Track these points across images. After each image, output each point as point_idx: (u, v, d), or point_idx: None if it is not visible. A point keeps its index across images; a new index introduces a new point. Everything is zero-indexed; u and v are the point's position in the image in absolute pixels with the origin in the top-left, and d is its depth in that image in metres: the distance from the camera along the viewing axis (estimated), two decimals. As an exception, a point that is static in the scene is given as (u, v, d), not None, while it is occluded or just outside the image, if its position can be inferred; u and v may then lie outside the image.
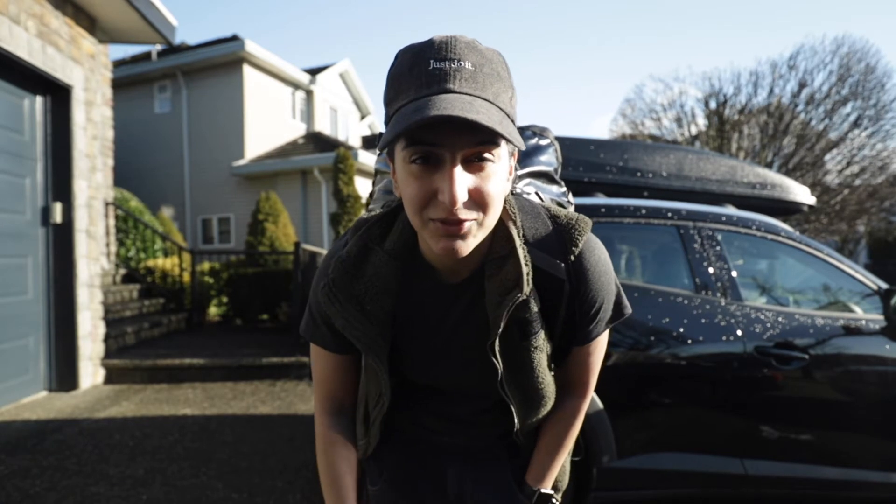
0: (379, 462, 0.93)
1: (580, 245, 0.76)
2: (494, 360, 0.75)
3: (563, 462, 0.91)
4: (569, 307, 0.77)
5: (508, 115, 0.65)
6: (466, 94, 0.61)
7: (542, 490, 0.87)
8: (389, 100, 0.66)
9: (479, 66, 0.63)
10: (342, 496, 0.84)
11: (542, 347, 0.78)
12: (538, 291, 0.75)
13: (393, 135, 0.60)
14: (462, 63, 0.62)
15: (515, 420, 0.83)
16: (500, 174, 0.66)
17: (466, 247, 0.65)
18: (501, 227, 0.75)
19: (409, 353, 0.81)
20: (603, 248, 0.79)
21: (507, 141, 0.61)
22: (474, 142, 0.62)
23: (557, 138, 2.61)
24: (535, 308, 0.75)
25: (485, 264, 0.75)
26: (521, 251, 0.72)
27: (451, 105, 0.58)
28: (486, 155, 0.63)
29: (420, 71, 0.62)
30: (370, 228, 0.78)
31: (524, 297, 0.71)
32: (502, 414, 0.84)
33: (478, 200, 0.64)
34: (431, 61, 0.62)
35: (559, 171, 1.06)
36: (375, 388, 0.84)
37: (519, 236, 0.74)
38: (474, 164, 0.63)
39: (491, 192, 0.64)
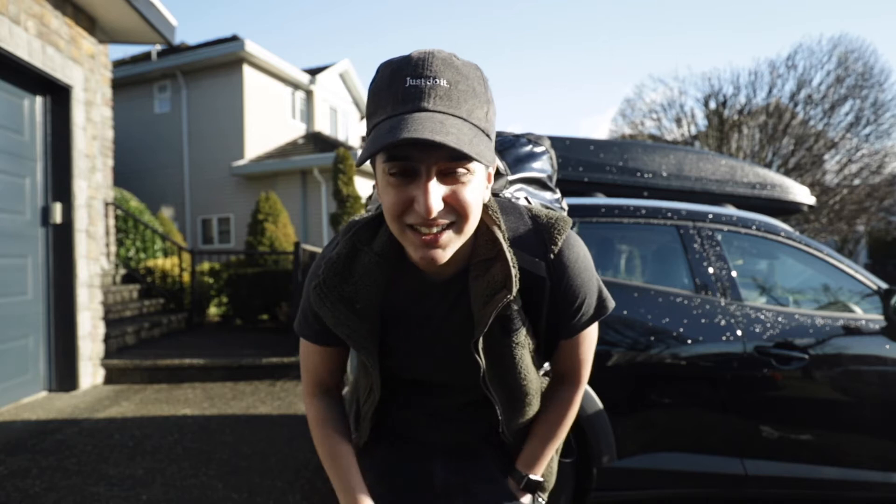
0: (368, 458, 0.95)
1: (559, 243, 0.79)
2: (477, 356, 0.77)
3: (553, 453, 0.92)
4: (550, 304, 0.80)
5: (484, 130, 0.68)
6: (440, 112, 0.63)
7: (532, 476, 0.89)
8: (369, 114, 0.69)
9: (454, 83, 0.66)
10: (345, 473, 0.85)
11: (523, 343, 0.80)
12: (519, 289, 0.77)
13: (369, 153, 0.63)
14: (437, 80, 0.65)
15: (500, 417, 0.84)
16: (475, 184, 0.69)
17: (444, 255, 0.69)
18: (485, 231, 0.78)
19: (395, 348, 0.84)
20: (583, 246, 0.82)
21: (475, 160, 0.64)
22: (447, 157, 0.65)
23: (559, 138, 2.62)
24: (516, 306, 0.77)
25: (470, 266, 0.78)
26: (509, 254, 0.75)
27: (422, 125, 0.61)
28: (460, 169, 0.66)
29: (397, 88, 0.65)
30: (358, 232, 0.82)
31: (512, 297, 0.74)
32: (487, 409, 0.86)
33: (455, 207, 0.67)
34: (408, 78, 0.65)
35: (554, 178, 1.09)
36: (366, 382, 0.87)
37: (505, 240, 0.77)
38: (450, 175, 0.66)
39: (467, 200, 0.68)
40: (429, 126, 0.61)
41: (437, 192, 0.65)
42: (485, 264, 0.76)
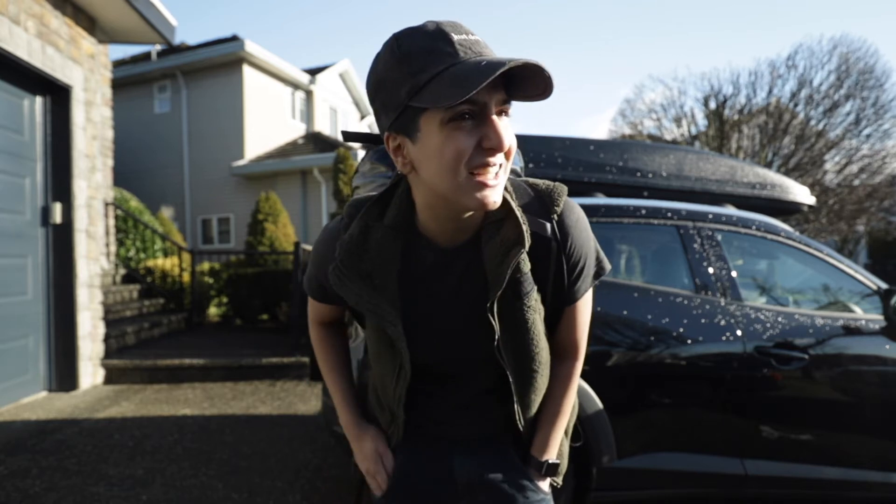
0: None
1: (561, 205, 0.83)
2: (492, 319, 0.78)
3: (562, 432, 0.94)
4: (556, 265, 0.83)
5: None
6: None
7: (550, 460, 0.90)
8: (414, 72, 0.67)
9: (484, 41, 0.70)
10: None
11: (535, 308, 0.82)
12: (528, 253, 0.80)
13: (476, 83, 0.61)
14: (477, 37, 0.69)
15: (513, 391, 0.84)
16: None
17: (496, 194, 0.72)
18: None
19: (411, 323, 0.84)
20: (580, 209, 0.86)
21: (546, 96, 0.69)
22: (501, 100, 0.69)
23: (559, 138, 2.63)
24: (526, 269, 0.80)
25: (482, 230, 0.81)
26: (518, 211, 0.79)
27: (503, 62, 0.62)
28: (508, 109, 0.71)
29: (446, 44, 0.66)
30: (369, 210, 0.83)
31: (526, 250, 0.77)
32: (502, 396, 0.87)
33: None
34: (453, 34, 0.67)
35: (524, 172, 1.16)
36: (391, 362, 0.85)
37: (513, 199, 0.81)
38: (500, 116, 0.70)
39: (513, 140, 0.72)
40: (507, 62, 0.62)
41: (506, 125, 0.69)
42: (496, 226, 0.79)
